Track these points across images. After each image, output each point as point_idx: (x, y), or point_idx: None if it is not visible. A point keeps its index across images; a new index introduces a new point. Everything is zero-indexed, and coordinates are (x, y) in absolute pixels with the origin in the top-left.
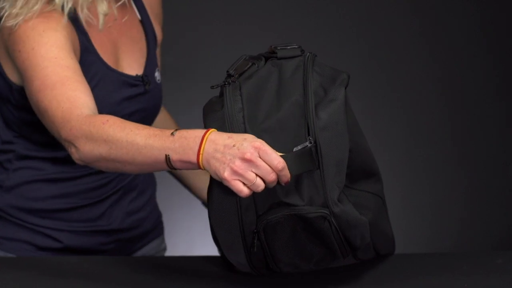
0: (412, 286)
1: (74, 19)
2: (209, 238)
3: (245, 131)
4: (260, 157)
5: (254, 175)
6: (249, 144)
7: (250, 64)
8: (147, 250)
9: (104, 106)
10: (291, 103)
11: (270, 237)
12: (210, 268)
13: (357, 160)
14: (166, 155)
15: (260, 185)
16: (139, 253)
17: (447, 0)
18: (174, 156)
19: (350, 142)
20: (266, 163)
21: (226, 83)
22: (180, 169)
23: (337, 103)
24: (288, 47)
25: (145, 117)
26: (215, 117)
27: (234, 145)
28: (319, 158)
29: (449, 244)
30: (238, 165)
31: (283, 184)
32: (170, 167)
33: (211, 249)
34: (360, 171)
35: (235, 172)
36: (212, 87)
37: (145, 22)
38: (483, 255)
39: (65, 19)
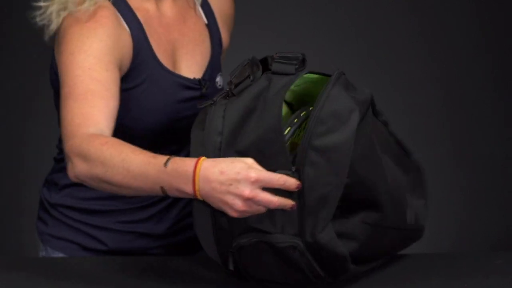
0: (411, 287)
1: (131, 16)
2: None
3: (219, 156)
4: (259, 189)
5: (259, 207)
6: (246, 182)
7: (246, 74)
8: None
9: (158, 107)
10: (269, 126)
11: (244, 257)
12: (211, 269)
13: (356, 194)
14: (161, 187)
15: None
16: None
17: (446, 0)
18: (169, 190)
19: (351, 176)
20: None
21: (213, 102)
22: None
23: (339, 135)
24: (286, 62)
25: None
26: (197, 136)
27: (230, 184)
28: (299, 190)
29: (448, 245)
30: (242, 205)
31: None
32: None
33: None
34: (358, 203)
35: (242, 212)
36: (199, 107)
37: (211, 26)
38: (482, 256)
39: (115, 18)
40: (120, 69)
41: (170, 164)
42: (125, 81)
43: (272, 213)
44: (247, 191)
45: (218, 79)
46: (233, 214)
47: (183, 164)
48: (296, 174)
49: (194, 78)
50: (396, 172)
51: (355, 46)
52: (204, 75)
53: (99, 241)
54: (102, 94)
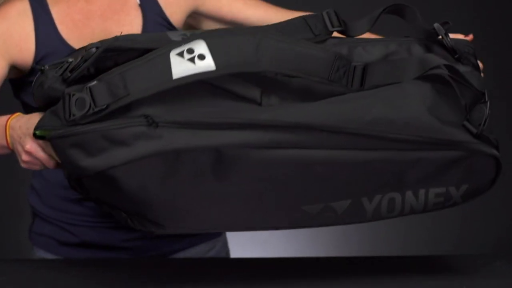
0: None
1: (41, 12)
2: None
3: None
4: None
5: (38, 162)
6: (29, 137)
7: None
8: (191, 254)
9: None
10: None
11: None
12: (210, 270)
13: None
14: None
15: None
16: (179, 255)
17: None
18: None
19: None
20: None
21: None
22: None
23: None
24: None
25: None
26: None
27: (20, 137)
28: None
29: (447, 246)
30: (24, 156)
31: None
32: None
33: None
34: None
35: (26, 163)
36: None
37: (144, 6)
38: (482, 258)
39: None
40: (15, 66)
41: None
42: (35, 73)
43: None
44: (27, 145)
45: None
46: (21, 164)
47: (0, 120)
48: None
49: None
50: None
51: None
52: None
53: (73, 234)
54: None
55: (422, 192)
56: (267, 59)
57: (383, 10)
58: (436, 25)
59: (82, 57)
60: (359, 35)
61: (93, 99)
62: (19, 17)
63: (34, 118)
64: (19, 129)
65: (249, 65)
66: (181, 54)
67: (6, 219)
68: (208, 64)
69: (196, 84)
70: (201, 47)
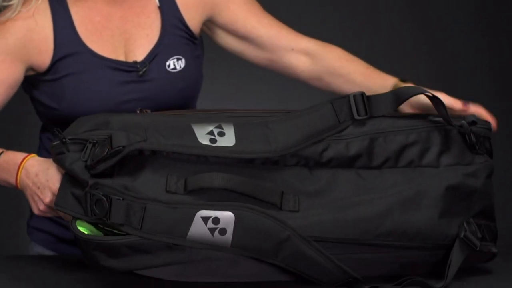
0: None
1: (62, 11)
2: None
3: None
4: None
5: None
6: (50, 191)
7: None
8: None
9: (95, 93)
10: None
11: None
12: None
13: None
14: None
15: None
16: None
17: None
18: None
19: None
20: None
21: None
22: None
23: None
24: None
25: (147, 108)
26: None
27: (38, 188)
28: None
29: None
30: (43, 208)
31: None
32: None
33: None
34: None
35: (42, 212)
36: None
37: (164, 9)
38: None
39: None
40: (31, 67)
41: (2, 156)
42: (53, 72)
43: None
44: (47, 198)
45: (171, 63)
46: (35, 211)
47: (14, 157)
48: None
49: (134, 61)
50: None
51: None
52: (146, 57)
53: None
54: None
55: None
56: (285, 255)
57: (411, 96)
58: (463, 122)
59: (108, 151)
60: (382, 115)
61: (110, 211)
62: (38, 17)
63: (54, 170)
64: (36, 177)
65: (264, 255)
66: (205, 220)
67: (4, 215)
68: (225, 240)
69: None
70: (228, 222)
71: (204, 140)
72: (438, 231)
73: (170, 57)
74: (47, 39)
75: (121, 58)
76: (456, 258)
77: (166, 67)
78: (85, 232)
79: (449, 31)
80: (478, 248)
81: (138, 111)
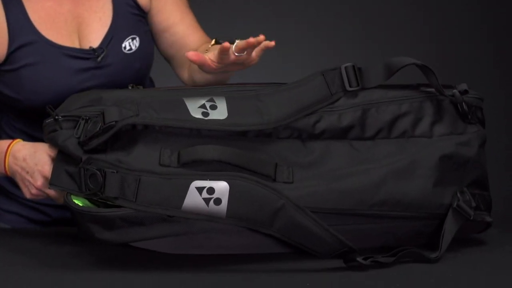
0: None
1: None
2: None
3: None
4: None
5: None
6: (39, 175)
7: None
8: None
9: (53, 81)
10: None
11: None
12: None
13: None
14: None
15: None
16: None
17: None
18: None
19: None
20: None
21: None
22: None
23: None
24: None
25: None
26: None
27: (27, 172)
28: None
29: None
30: (34, 191)
31: None
32: None
33: None
34: None
35: (34, 195)
36: None
37: None
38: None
39: None
40: None
41: None
42: (10, 62)
43: None
44: (38, 182)
45: (127, 44)
46: (27, 195)
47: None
48: None
49: (90, 48)
50: None
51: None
52: (102, 42)
53: (44, 213)
54: None
55: None
56: (280, 225)
57: (402, 66)
58: (455, 92)
59: (100, 127)
60: (374, 86)
61: (104, 184)
62: None
63: (41, 153)
64: (24, 162)
65: (259, 225)
66: (200, 190)
67: None
68: (219, 210)
69: None
70: (223, 191)
71: (197, 114)
72: (432, 200)
73: (125, 38)
74: (1, 30)
75: (76, 44)
76: (449, 227)
77: (123, 49)
78: (80, 205)
79: (449, 29)
80: (471, 218)
81: (130, 87)
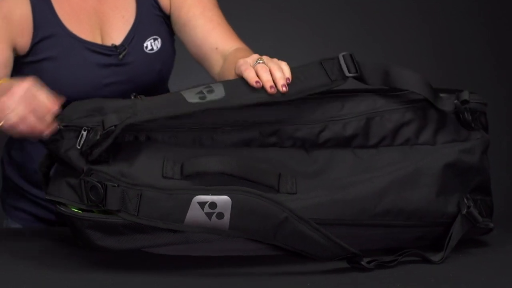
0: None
1: None
2: None
3: None
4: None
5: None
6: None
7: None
8: None
9: (74, 76)
10: None
11: None
12: None
13: None
14: None
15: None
16: None
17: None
18: None
19: None
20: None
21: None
22: None
23: None
24: None
25: (127, 90)
26: None
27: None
28: None
29: None
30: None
31: None
32: None
33: None
34: None
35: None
36: None
37: None
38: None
39: None
40: (15, 48)
41: None
42: (33, 54)
43: None
44: (24, 82)
45: (148, 43)
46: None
47: None
48: None
49: (112, 45)
50: None
51: (351, 43)
52: (124, 40)
53: (52, 212)
54: None
55: None
56: (283, 236)
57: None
58: (456, 102)
59: (101, 135)
60: (374, 85)
61: (105, 197)
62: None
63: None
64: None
65: (262, 237)
66: (202, 205)
67: None
68: (222, 224)
69: None
70: (225, 206)
71: (194, 99)
72: (435, 209)
73: (147, 38)
74: (27, 20)
75: (98, 40)
76: (456, 233)
77: (144, 48)
78: (80, 212)
79: (449, 30)
80: (478, 224)
81: (132, 97)
